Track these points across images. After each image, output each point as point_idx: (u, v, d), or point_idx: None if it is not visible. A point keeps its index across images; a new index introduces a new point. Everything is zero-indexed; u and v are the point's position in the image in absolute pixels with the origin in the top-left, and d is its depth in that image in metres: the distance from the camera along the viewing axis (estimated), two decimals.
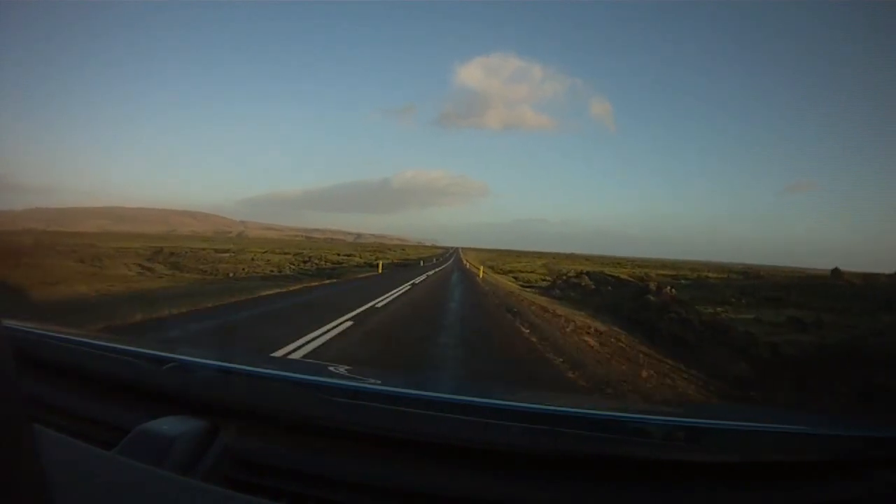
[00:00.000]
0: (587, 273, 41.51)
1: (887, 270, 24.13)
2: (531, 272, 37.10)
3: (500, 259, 68.29)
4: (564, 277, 29.92)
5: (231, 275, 16.00)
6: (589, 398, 3.03)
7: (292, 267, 27.46)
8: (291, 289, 10.69)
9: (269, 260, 33.02)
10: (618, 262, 71.92)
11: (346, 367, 1.37)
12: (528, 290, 21.18)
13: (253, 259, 32.05)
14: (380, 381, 1.18)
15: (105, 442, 0.68)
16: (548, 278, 33.59)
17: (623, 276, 36.29)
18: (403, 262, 37.69)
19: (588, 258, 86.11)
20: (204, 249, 37.56)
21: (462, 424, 0.74)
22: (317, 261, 34.92)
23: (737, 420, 1.11)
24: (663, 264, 75.52)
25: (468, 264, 41.56)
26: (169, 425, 0.68)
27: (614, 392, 4.03)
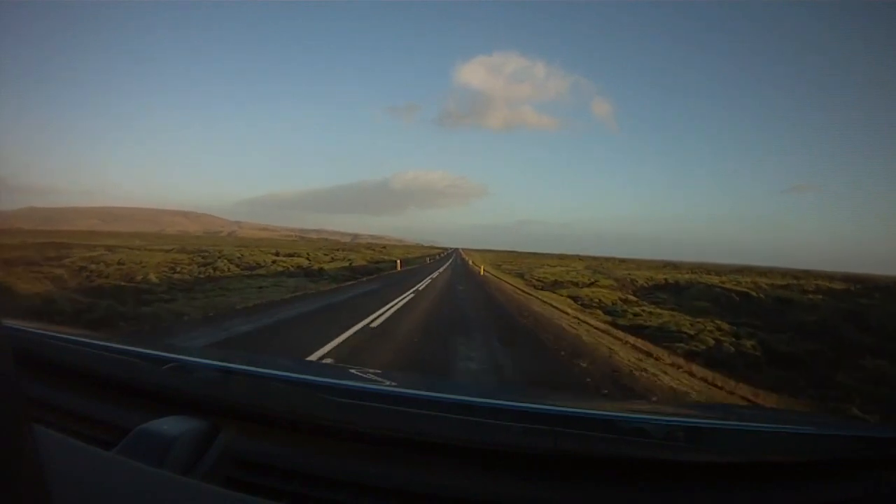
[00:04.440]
0: (674, 284, 26.61)
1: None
2: (601, 286, 21.76)
3: (514, 261, 53.07)
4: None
5: None
6: (589, 398, 2.94)
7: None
8: None
9: (142, 262, 19.66)
10: (664, 265, 56.79)
11: (347, 367, 1.50)
12: None
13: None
14: (380, 381, 1.22)
15: (105, 442, 0.68)
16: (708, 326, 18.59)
17: (753, 293, 21.39)
18: (372, 265, 22.70)
19: (623, 261, 70.83)
20: None
21: (462, 424, 0.74)
22: (226, 262, 21.03)
23: (737, 420, 1.13)
24: (718, 269, 59.94)
25: (481, 270, 26.37)
26: (169, 425, 0.68)
27: (614, 392, 3.81)
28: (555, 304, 12.57)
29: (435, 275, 19.24)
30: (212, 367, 0.93)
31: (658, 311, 15.09)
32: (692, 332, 11.11)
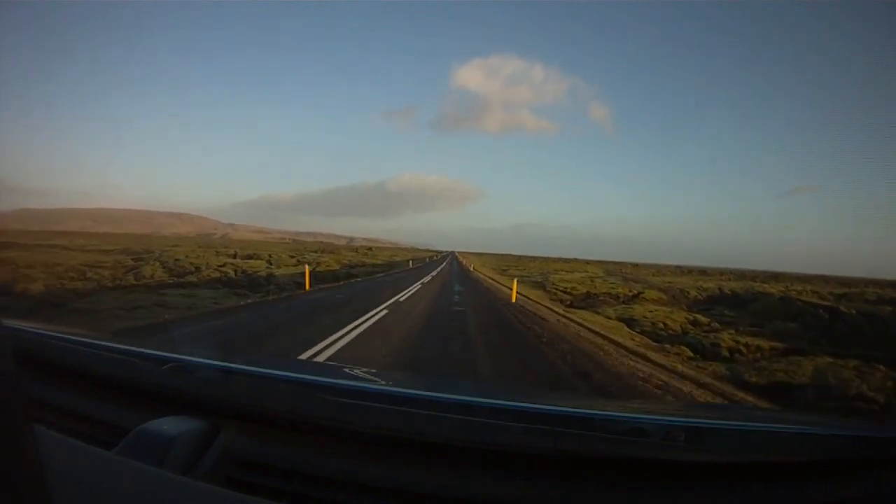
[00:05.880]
0: (732, 296, 21.88)
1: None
2: (649, 300, 16.92)
3: (519, 265, 48.40)
4: None
5: None
6: (589, 398, 2.93)
7: None
8: None
9: (56, 265, 16.27)
10: (687, 271, 52.21)
11: (347, 367, 1.46)
12: None
13: None
14: (380, 381, 1.20)
15: (105, 442, 0.68)
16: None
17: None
18: (343, 269, 17.65)
19: (637, 265, 66.19)
20: None
21: (462, 424, 0.74)
22: (157, 266, 16.36)
23: (737, 420, 1.12)
24: (743, 274, 55.36)
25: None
26: (169, 425, 0.68)
27: (614, 392, 3.76)
28: (629, 346, 7.76)
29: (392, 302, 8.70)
30: (212, 367, 0.93)
31: (755, 341, 10.35)
32: (878, 397, 6.37)
